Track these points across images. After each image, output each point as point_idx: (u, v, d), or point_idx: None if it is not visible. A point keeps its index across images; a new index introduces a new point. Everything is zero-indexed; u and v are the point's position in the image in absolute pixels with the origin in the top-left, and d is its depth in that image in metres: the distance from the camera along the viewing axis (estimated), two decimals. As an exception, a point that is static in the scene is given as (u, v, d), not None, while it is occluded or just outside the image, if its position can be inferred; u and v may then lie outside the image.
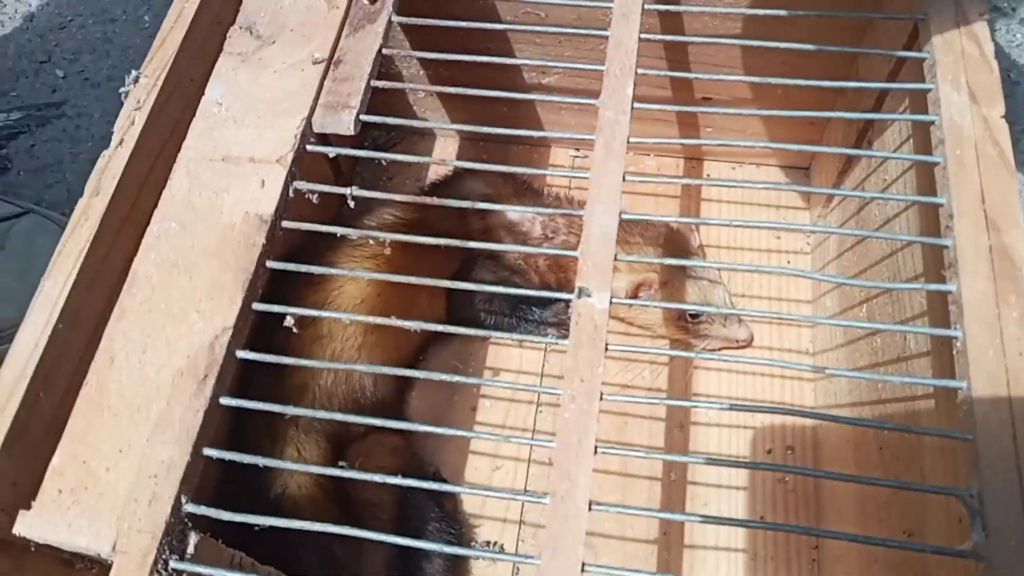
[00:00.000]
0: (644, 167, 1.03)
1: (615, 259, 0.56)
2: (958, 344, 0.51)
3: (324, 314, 0.73)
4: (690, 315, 0.87)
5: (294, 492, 0.75)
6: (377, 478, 0.51)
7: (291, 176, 0.61)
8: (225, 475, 0.75)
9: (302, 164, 0.63)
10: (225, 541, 0.52)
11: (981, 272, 0.52)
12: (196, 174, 0.61)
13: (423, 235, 0.69)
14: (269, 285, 0.87)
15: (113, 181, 0.61)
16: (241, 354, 0.55)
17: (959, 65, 0.60)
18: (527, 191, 0.94)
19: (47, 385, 0.56)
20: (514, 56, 0.89)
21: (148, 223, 0.60)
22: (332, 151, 0.62)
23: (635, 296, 0.89)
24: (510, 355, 0.94)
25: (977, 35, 0.61)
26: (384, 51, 0.67)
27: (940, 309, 0.60)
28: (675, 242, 0.91)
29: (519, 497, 0.48)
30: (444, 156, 1.05)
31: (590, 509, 0.47)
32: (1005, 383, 0.49)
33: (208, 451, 0.52)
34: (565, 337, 0.53)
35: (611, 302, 0.54)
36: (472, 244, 0.60)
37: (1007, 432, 0.48)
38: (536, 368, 0.91)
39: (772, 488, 0.83)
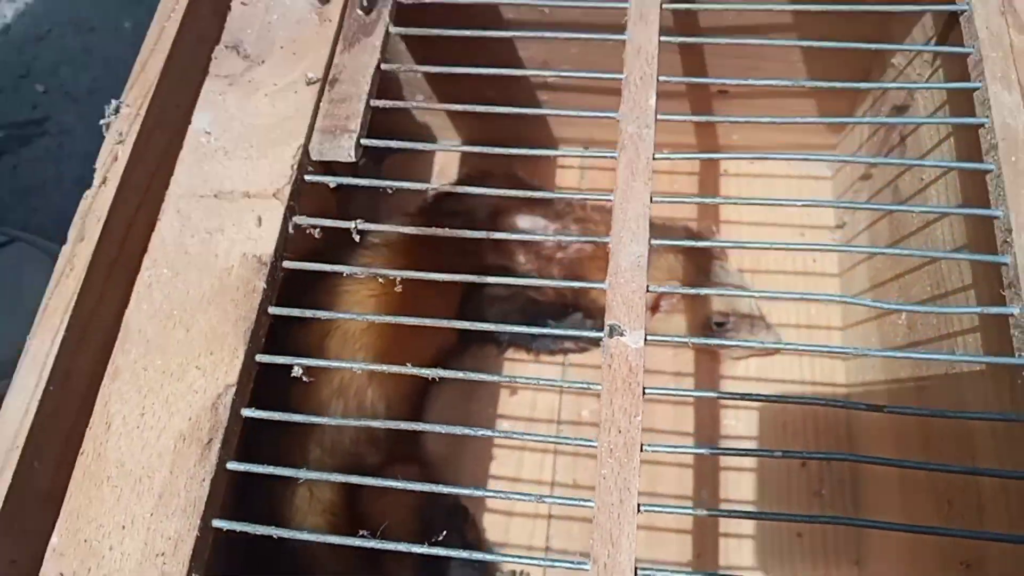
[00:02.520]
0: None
1: (647, 291, 0.52)
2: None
3: (335, 364, 0.68)
4: (715, 323, 0.83)
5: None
6: (401, 546, 0.48)
7: (290, 211, 0.57)
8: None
9: (300, 197, 0.58)
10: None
11: (1049, 293, 0.48)
12: (187, 213, 0.57)
13: (430, 248, 0.67)
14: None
15: (98, 224, 0.56)
16: (247, 413, 0.51)
17: (1008, 62, 0.55)
18: (538, 200, 0.90)
19: (41, 453, 0.52)
20: (522, 65, 0.84)
21: (139, 268, 0.55)
22: (333, 180, 0.58)
23: (656, 307, 0.85)
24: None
25: (1027, 28, 0.56)
26: (383, 67, 0.62)
27: (985, 283, 0.56)
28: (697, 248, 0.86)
29: (557, 564, 0.44)
30: (446, 166, 1.00)
31: (635, 575, 0.44)
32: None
33: (218, 523, 0.48)
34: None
35: (646, 340, 0.50)
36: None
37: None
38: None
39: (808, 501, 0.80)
